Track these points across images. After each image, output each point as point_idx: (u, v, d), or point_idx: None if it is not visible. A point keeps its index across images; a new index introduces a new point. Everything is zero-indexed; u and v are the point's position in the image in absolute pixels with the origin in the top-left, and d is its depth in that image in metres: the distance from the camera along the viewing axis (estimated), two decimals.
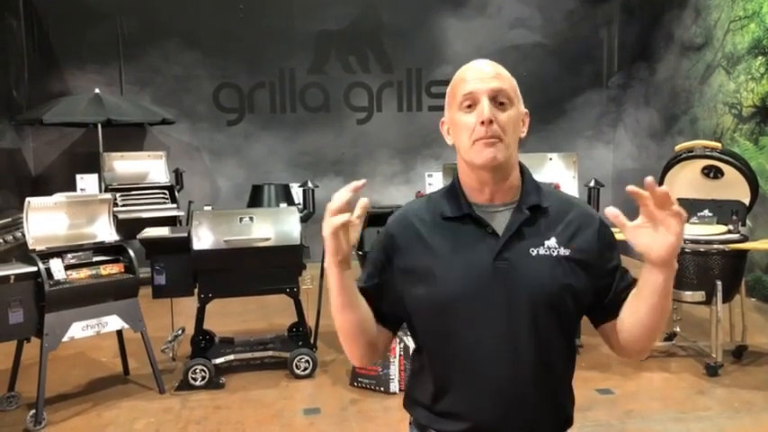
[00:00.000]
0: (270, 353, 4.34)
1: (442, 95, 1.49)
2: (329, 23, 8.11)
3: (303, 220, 4.40)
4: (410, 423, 1.51)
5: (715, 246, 4.10)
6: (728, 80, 6.34)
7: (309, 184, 5.10)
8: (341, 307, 1.38)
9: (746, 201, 4.34)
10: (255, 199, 5.95)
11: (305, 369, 4.20)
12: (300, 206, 5.24)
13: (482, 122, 1.32)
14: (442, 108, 1.48)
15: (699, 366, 4.27)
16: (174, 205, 6.89)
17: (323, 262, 4.62)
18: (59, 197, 3.91)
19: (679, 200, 4.54)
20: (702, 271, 4.14)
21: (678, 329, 4.69)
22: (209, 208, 4.38)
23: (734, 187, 4.35)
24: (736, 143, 6.16)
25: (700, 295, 4.17)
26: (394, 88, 8.28)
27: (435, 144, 7.86)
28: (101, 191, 6.02)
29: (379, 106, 8.30)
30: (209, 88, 7.99)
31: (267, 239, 4.09)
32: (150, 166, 7.11)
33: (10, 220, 5.78)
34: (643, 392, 3.97)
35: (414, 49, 8.13)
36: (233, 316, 5.28)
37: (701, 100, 6.80)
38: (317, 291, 4.51)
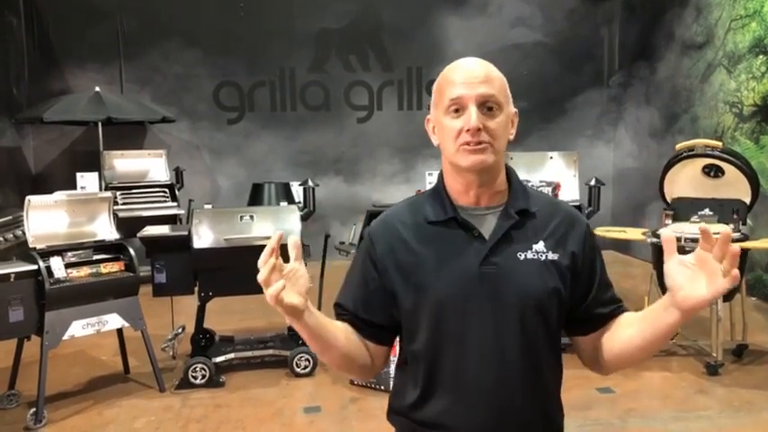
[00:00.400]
0: (270, 351, 4.34)
1: None
2: (329, 22, 8.10)
3: (303, 218, 4.40)
4: None
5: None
6: (729, 79, 6.34)
7: (310, 183, 5.11)
8: (320, 350, 1.36)
9: (747, 200, 4.34)
10: (256, 197, 5.95)
11: (305, 367, 4.20)
12: (301, 205, 5.25)
13: (468, 130, 1.28)
14: None
15: (699, 365, 4.27)
16: (175, 204, 6.89)
17: (323, 261, 4.64)
18: (60, 195, 3.91)
19: (680, 199, 4.57)
20: None
21: (678, 328, 4.68)
22: (210, 206, 4.37)
23: (734, 186, 4.35)
24: (736, 142, 6.16)
25: None
26: (394, 87, 8.28)
27: None
28: (101, 189, 6.00)
29: (380, 105, 8.30)
30: (209, 87, 7.99)
31: (267, 238, 4.07)
32: (150, 165, 7.12)
33: (10, 218, 5.78)
34: (643, 391, 3.97)
35: (414, 47, 8.13)
36: (233, 314, 5.28)
37: (702, 99, 6.79)
38: (316, 289, 4.51)
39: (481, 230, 1.34)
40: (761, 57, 5.90)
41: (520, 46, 8.26)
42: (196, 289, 4.15)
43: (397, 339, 1.46)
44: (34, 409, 3.55)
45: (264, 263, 1.19)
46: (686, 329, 4.74)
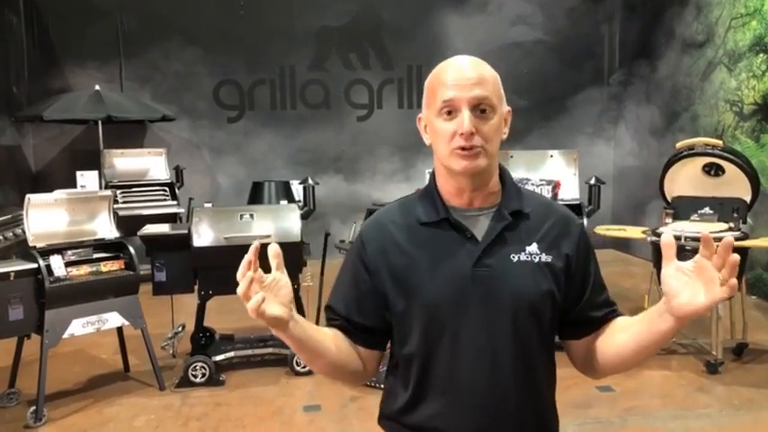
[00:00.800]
0: (270, 350, 4.34)
1: None
2: (329, 20, 8.10)
3: (303, 217, 4.40)
4: None
5: (715, 243, 4.08)
6: (730, 77, 6.33)
7: (310, 182, 5.10)
8: (308, 360, 1.35)
9: (747, 198, 4.33)
10: (256, 196, 5.95)
11: (305, 366, 4.20)
12: (301, 203, 5.24)
13: (461, 134, 1.26)
14: None
15: (699, 364, 4.27)
16: (175, 202, 6.89)
17: (323, 259, 4.64)
18: (60, 194, 3.91)
19: (680, 197, 4.57)
20: None
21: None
22: (210, 205, 4.38)
23: (735, 185, 4.35)
24: (737, 140, 6.15)
25: None
26: (394, 85, 8.27)
27: None
28: (101, 188, 6.00)
29: (380, 103, 8.29)
30: (209, 85, 7.99)
31: (267, 236, 4.08)
32: (150, 163, 7.11)
33: (10, 216, 5.78)
34: (643, 390, 3.97)
35: (414, 45, 8.12)
36: (233, 313, 5.24)
37: (702, 97, 6.79)
38: (317, 288, 4.51)
39: (474, 232, 1.33)
40: (761, 55, 5.89)
41: (520, 44, 8.26)
42: (196, 287, 4.15)
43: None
44: (34, 408, 3.55)
45: (242, 276, 1.17)
46: (686, 328, 4.74)
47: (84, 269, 3.81)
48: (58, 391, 3.96)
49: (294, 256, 4.15)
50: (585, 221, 4.61)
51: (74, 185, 5.37)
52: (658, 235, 4.30)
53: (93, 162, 6.69)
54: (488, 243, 1.31)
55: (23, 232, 4.01)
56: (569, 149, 5.65)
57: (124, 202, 6.59)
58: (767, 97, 5.83)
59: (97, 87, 6.86)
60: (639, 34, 8.05)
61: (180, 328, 4.40)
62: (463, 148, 1.27)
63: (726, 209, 4.33)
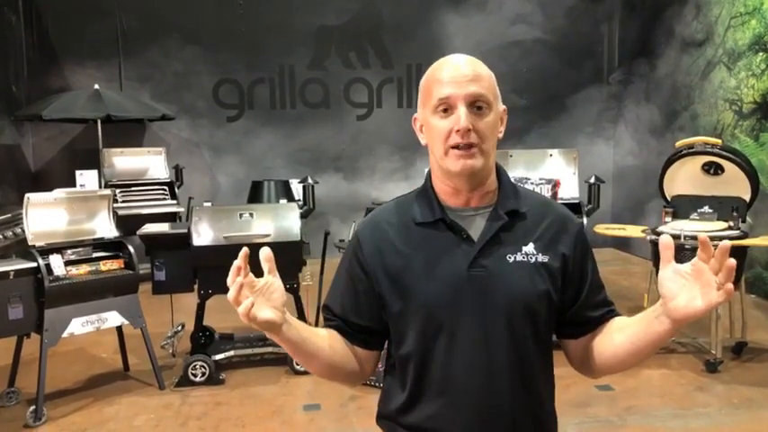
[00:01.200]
0: (270, 349, 4.34)
1: None
2: (329, 19, 8.09)
3: (303, 216, 4.40)
4: None
5: (715, 242, 4.06)
6: (729, 76, 6.33)
7: (309, 181, 5.10)
8: (303, 361, 1.36)
9: (747, 197, 4.33)
10: (255, 195, 5.96)
11: None
12: (300, 202, 5.25)
13: (458, 131, 1.25)
14: None
15: (698, 363, 4.28)
16: (174, 201, 6.89)
17: (323, 258, 4.64)
18: (59, 193, 3.91)
19: (679, 196, 4.57)
20: None
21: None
22: (209, 204, 4.37)
23: (734, 184, 4.35)
24: (736, 139, 6.15)
25: None
26: (394, 84, 8.27)
27: None
28: (100, 187, 6.01)
29: (379, 102, 8.29)
30: (208, 84, 7.98)
31: (267, 236, 4.09)
32: (150, 163, 7.11)
33: (10, 216, 5.78)
34: (643, 389, 3.97)
35: (414, 44, 8.12)
36: (233, 312, 5.21)
37: (702, 96, 6.79)
38: (316, 287, 4.52)
39: (470, 232, 1.32)
40: (761, 54, 5.89)
41: (520, 43, 8.26)
42: (196, 286, 4.15)
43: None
44: (34, 407, 3.55)
45: (232, 281, 1.17)
46: (686, 327, 4.74)
47: (84, 268, 3.81)
48: (57, 390, 3.97)
49: (294, 255, 4.15)
50: (585, 220, 4.61)
51: (73, 185, 5.37)
52: (658, 234, 4.30)
53: (93, 161, 6.70)
54: (484, 244, 1.31)
55: (23, 231, 4.01)
56: (569, 148, 5.66)
57: (123, 202, 6.59)
58: (766, 96, 5.83)
59: (96, 86, 6.86)
60: (639, 33, 8.05)
61: (179, 328, 4.40)
62: (459, 146, 1.26)
63: (725, 208, 4.33)
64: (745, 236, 4.18)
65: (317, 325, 4.80)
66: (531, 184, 4.74)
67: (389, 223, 1.38)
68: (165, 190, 6.92)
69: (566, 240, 1.35)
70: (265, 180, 6.08)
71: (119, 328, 4.11)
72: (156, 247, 4.16)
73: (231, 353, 4.28)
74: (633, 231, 4.79)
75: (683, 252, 4.12)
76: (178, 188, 7.08)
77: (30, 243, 3.67)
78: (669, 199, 4.65)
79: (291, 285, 4.11)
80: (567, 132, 8.34)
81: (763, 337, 4.76)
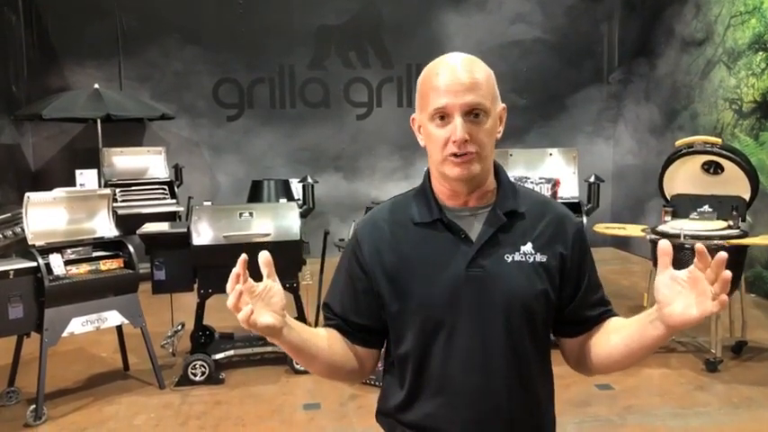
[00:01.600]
0: (270, 348, 4.34)
1: None
2: (329, 18, 8.09)
3: (303, 215, 4.40)
4: None
5: (715, 241, 4.09)
6: (729, 76, 6.33)
7: (309, 180, 5.10)
8: (304, 363, 1.36)
9: (746, 196, 4.34)
10: (255, 194, 5.96)
11: None
12: (300, 202, 5.25)
13: (455, 141, 1.25)
14: None
15: (698, 362, 4.28)
16: (174, 201, 6.89)
17: (323, 258, 4.64)
18: (59, 192, 3.91)
19: (679, 195, 4.57)
20: None
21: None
22: (209, 203, 4.37)
23: (734, 183, 4.35)
24: (736, 139, 6.15)
25: None
26: (394, 84, 8.27)
27: None
28: (100, 186, 6.01)
29: (379, 102, 8.29)
30: (208, 84, 7.98)
31: (267, 235, 4.09)
32: (150, 162, 7.11)
33: (9, 215, 5.78)
34: (642, 388, 3.97)
35: (414, 44, 8.11)
36: (233, 311, 5.28)
37: (702, 95, 6.79)
38: (316, 286, 4.51)
39: (468, 232, 1.32)
40: (760, 53, 5.89)
41: (519, 43, 8.26)
42: (195, 286, 4.15)
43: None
44: (34, 406, 3.55)
45: (231, 289, 1.17)
46: None
47: (84, 268, 3.81)
48: (57, 389, 3.97)
49: (293, 254, 4.15)
50: (585, 220, 4.61)
51: (73, 184, 5.38)
52: (658, 233, 4.30)
53: (93, 160, 6.70)
54: (482, 244, 1.31)
55: (23, 231, 4.01)
56: (569, 148, 5.66)
57: (123, 201, 6.59)
58: (766, 95, 5.83)
59: (96, 86, 6.86)
60: (639, 33, 8.05)
61: (179, 327, 4.40)
62: (456, 155, 1.26)
63: (725, 207, 4.33)
64: (744, 235, 4.18)
65: (317, 324, 4.81)
66: (531, 183, 4.74)
67: (388, 222, 1.38)
68: (164, 189, 6.92)
69: (564, 239, 1.35)
70: (265, 179, 6.09)
71: (119, 328, 4.11)
72: (155, 246, 4.16)
73: (231, 352, 4.29)
74: (633, 231, 4.80)
75: (683, 251, 4.12)
76: (178, 187, 7.08)
77: (29, 242, 3.68)
78: (669, 198, 4.65)
79: (291, 284, 4.11)
80: (566, 132, 8.34)
81: (762, 337, 4.76)
